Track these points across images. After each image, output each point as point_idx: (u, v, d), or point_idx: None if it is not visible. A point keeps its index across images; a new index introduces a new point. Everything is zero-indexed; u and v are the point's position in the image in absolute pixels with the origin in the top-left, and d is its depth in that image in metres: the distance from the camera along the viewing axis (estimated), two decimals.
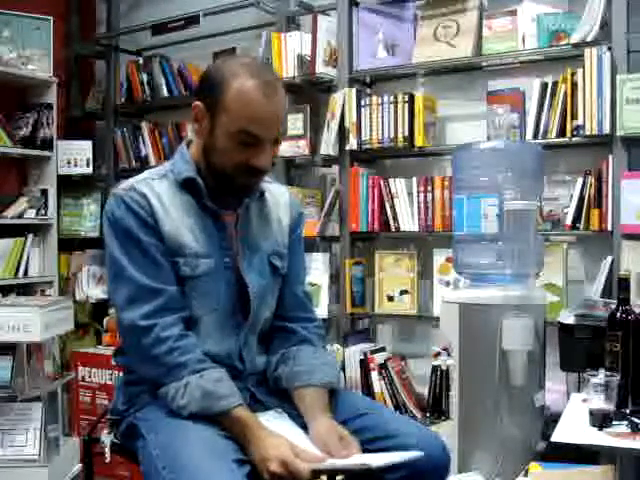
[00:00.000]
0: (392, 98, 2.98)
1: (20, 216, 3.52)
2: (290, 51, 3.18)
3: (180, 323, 1.46)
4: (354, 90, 3.06)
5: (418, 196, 2.95)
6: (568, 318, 2.21)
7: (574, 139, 2.61)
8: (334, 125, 3.06)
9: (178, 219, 1.51)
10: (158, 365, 1.44)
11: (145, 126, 3.78)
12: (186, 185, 1.54)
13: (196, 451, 1.29)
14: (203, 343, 1.49)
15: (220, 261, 1.54)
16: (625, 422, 1.67)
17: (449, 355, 2.62)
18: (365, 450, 1.41)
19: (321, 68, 3.11)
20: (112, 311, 3.26)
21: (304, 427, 1.48)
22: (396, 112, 2.96)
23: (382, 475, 1.39)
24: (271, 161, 1.51)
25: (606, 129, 2.51)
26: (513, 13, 2.77)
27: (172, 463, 1.29)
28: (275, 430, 1.40)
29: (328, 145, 3.07)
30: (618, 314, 1.85)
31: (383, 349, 3.04)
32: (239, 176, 1.49)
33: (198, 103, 1.50)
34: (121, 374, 1.69)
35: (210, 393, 1.39)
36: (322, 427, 1.43)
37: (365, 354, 2.94)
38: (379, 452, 1.40)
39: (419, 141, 2.94)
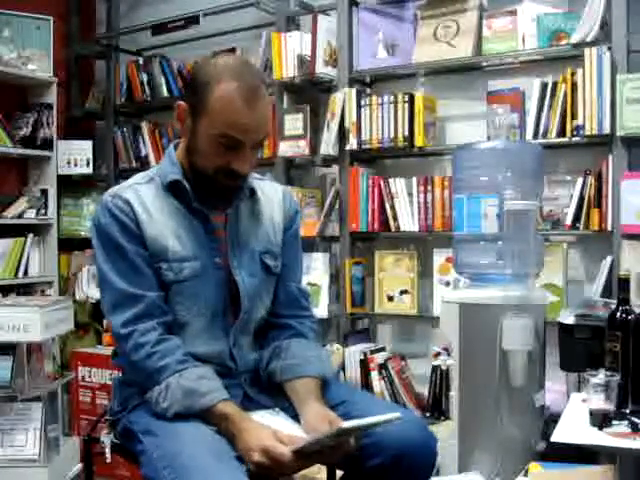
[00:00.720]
0: (392, 98, 2.98)
1: (20, 216, 3.53)
2: (290, 51, 3.18)
3: (159, 328, 1.46)
4: (354, 90, 3.06)
5: (418, 196, 2.95)
6: (568, 318, 2.21)
7: (574, 139, 2.61)
8: (334, 125, 3.06)
9: (162, 224, 1.51)
10: (139, 370, 1.45)
11: (145, 126, 3.78)
12: (172, 188, 1.54)
13: (196, 450, 1.29)
14: (192, 345, 1.50)
15: (209, 263, 1.53)
16: (625, 422, 1.67)
17: (449, 355, 2.62)
18: None
19: (321, 68, 3.11)
20: None
21: (298, 421, 1.48)
22: (396, 112, 2.96)
23: (371, 463, 1.40)
24: (251, 165, 1.51)
25: (606, 129, 2.51)
26: (513, 13, 2.77)
27: (173, 464, 1.29)
28: (263, 422, 1.40)
29: (328, 145, 3.07)
30: (618, 314, 1.84)
31: (383, 349, 3.04)
32: (220, 178, 1.50)
33: (181, 103, 1.51)
34: (120, 374, 1.69)
35: (192, 391, 1.40)
36: (312, 413, 1.43)
37: (365, 354, 2.94)
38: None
39: (419, 141, 2.94)
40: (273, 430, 1.36)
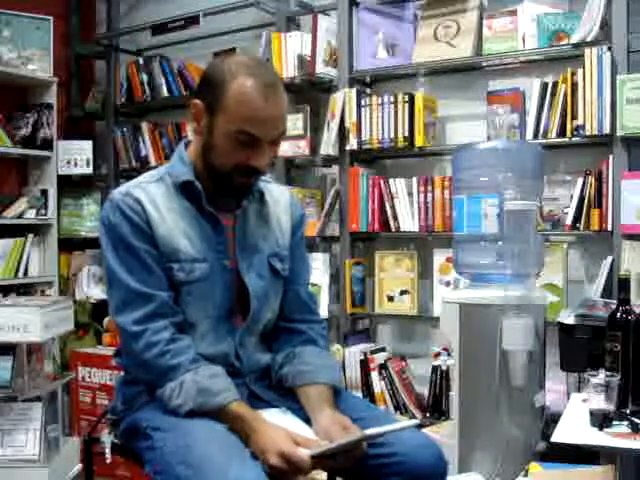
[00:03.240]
0: (392, 98, 2.98)
1: (20, 216, 3.53)
2: (290, 51, 3.18)
3: (171, 328, 1.46)
4: (354, 90, 3.06)
5: (418, 196, 2.95)
6: (568, 318, 2.21)
7: (574, 139, 2.61)
8: (334, 125, 3.06)
9: (173, 224, 1.50)
10: (151, 369, 1.44)
11: (145, 126, 3.78)
12: (184, 188, 1.53)
13: (210, 446, 1.29)
14: (199, 345, 1.49)
15: (218, 264, 1.53)
16: (625, 422, 1.67)
17: (449, 355, 2.62)
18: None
19: (321, 68, 3.11)
20: None
21: (307, 422, 1.48)
22: (396, 112, 2.96)
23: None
24: (269, 162, 1.51)
25: (606, 129, 2.51)
26: (513, 13, 2.78)
27: (187, 458, 1.28)
28: (275, 422, 1.40)
29: (328, 145, 3.07)
30: (618, 314, 1.84)
31: (383, 349, 3.04)
32: (237, 175, 1.49)
33: (197, 102, 1.50)
34: (121, 373, 1.69)
35: (205, 389, 1.39)
36: (326, 418, 1.43)
37: (365, 354, 2.94)
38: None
39: (419, 141, 2.94)
40: (288, 431, 1.35)
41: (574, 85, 2.59)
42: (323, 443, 1.35)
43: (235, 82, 1.44)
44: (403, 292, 3.04)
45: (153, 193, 1.52)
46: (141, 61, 3.77)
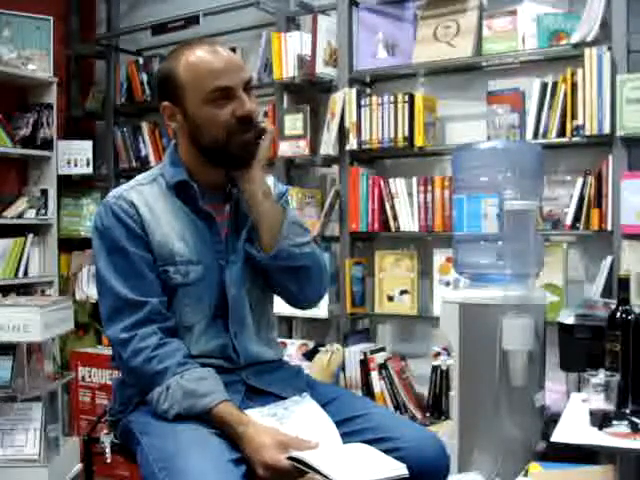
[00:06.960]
0: (392, 98, 2.98)
1: (20, 216, 3.53)
2: (290, 51, 3.18)
3: (160, 333, 1.45)
4: (354, 90, 3.06)
5: (418, 196, 2.95)
6: (568, 318, 2.21)
7: (574, 139, 2.61)
8: (334, 125, 3.06)
9: (168, 226, 1.50)
10: (139, 375, 1.44)
11: (145, 126, 3.78)
12: (178, 189, 1.53)
13: (191, 453, 1.29)
14: (197, 343, 1.50)
15: (214, 265, 1.53)
16: (625, 422, 1.67)
17: (449, 355, 2.62)
18: None
19: (321, 68, 3.11)
20: None
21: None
22: (396, 112, 2.96)
23: None
24: (254, 106, 1.50)
25: (606, 129, 2.51)
26: (513, 13, 2.78)
27: (168, 466, 1.28)
28: (264, 425, 1.38)
29: (328, 145, 3.07)
30: (618, 314, 1.85)
31: (383, 349, 3.04)
32: (235, 135, 1.47)
33: (164, 103, 1.52)
34: (119, 375, 1.69)
35: (191, 392, 1.39)
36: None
37: (365, 354, 2.94)
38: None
39: (419, 141, 2.93)
40: (274, 435, 1.34)
41: (574, 85, 2.59)
42: (307, 454, 1.31)
43: (180, 62, 1.49)
44: (403, 292, 3.04)
45: (147, 195, 1.52)
46: (141, 61, 3.78)
